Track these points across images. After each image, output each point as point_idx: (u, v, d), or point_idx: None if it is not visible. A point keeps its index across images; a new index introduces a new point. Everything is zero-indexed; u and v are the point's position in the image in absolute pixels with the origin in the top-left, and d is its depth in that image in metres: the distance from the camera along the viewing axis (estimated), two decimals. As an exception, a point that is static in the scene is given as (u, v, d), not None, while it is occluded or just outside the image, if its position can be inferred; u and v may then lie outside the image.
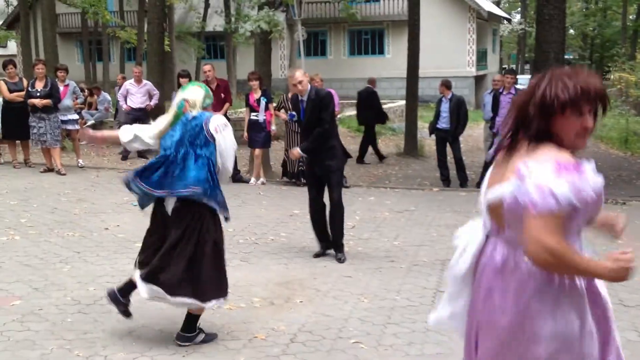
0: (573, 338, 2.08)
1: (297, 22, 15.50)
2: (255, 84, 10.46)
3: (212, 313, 4.72)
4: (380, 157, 14.13)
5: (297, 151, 6.36)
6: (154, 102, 12.71)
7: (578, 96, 2.02)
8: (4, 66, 11.42)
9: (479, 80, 31.54)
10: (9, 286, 5.21)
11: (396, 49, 29.81)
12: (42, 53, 21.15)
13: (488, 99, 11.71)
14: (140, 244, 4.31)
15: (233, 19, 24.83)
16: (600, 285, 2.19)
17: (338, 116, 10.23)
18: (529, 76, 23.49)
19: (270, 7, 12.44)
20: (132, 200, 8.30)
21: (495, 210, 2.16)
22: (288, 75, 6.70)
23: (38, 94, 10.52)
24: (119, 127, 13.97)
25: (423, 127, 16.07)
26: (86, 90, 16.33)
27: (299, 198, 8.80)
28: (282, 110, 10.62)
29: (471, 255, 2.29)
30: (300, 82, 6.16)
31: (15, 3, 33.49)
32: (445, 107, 11.09)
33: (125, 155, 12.70)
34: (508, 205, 2.06)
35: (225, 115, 10.83)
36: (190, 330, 4.18)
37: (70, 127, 11.46)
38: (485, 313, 2.22)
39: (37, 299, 4.93)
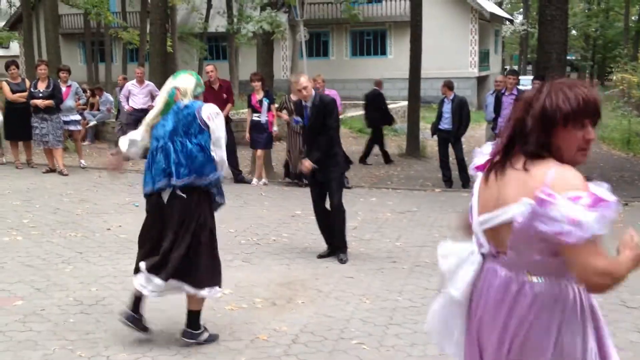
0: (577, 358, 2.05)
1: (300, 23, 15.48)
2: (257, 84, 10.46)
3: (214, 313, 4.73)
4: (387, 160, 14.10)
5: (308, 163, 6.20)
6: (156, 102, 12.70)
7: (580, 108, 1.95)
8: (7, 67, 11.44)
9: (481, 81, 31.54)
10: (11, 286, 5.22)
11: (398, 50, 29.82)
12: (44, 54, 21.15)
13: (490, 100, 11.70)
14: None
15: (235, 20, 24.84)
16: (594, 296, 2.17)
17: (340, 116, 10.25)
18: (531, 77, 23.47)
19: (272, 8, 12.45)
20: (134, 201, 8.32)
21: (496, 233, 2.07)
22: (293, 80, 6.71)
23: (40, 95, 10.54)
24: (120, 128, 14.11)
25: (425, 127, 16.05)
26: (88, 91, 16.35)
27: (301, 199, 8.80)
28: (284, 111, 10.62)
29: (467, 281, 2.18)
30: (305, 88, 6.18)
31: (17, 4, 33.57)
32: (447, 107, 11.08)
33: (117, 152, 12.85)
34: (518, 228, 1.96)
35: (227, 116, 10.84)
36: (195, 327, 4.18)
37: (72, 127, 11.47)
38: (489, 341, 2.14)
39: (40, 300, 4.94)
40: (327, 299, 5.14)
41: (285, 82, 17.88)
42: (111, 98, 16.42)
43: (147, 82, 12.91)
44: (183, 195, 3.98)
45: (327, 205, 6.39)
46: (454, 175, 11.17)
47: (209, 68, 11.18)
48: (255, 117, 10.48)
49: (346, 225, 6.39)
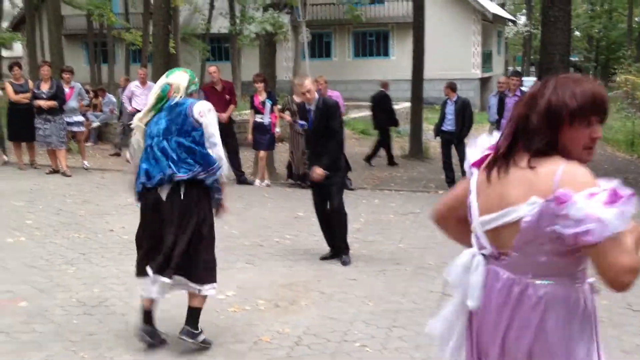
0: None
1: (302, 24, 15.48)
2: (260, 86, 10.46)
3: (217, 315, 4.72)
4: (391, 162, 14.08)
5: (320, 171, 6.15)
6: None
7: (587, 104, 1.87)
8: (10, 68, 11.45)
9: (484, 82, 31.53)
10: (14, 287, 5.22)
11: (401, 51, 29.84)
12: (47, 55, 21.20)
13: (493, 101, 11.69)
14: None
15: (238, 21, 24.86)
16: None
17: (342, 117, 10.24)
18: (534, 78, 23.45)
19: (274, 9, 12.46)
20: (136, 202, 8.32)
21: (498, 234, 1.98)
22: (297, 82, 6.72)
23: (44, 96, 10.54)
24: (123, 129, 14.13)
25: (428, 129, 16.04)
26: (91, 92, 16.35)
27: (303, 200, 8.79)
28: (287, 113, 10.62)
29: (480, 286, 2.06)
30: (308, 91, 6.20)
31: (20, 5, 33.60)
32: (450, 109, 11.08)
33: (118, 153, 13.16)
34: (526, 228, 1.88)
35: (230, 117, 10.84)
36: (195, 327, 4.15)
37: (75, 128, 11.48)
38: (490, 349, 2.05)
39: (43, 301, 4.94)
40: (330, 301, 5.14)
41: (288, 83, 17.90)
42: (114, 99, 16.42)
43: (149, 83, 12.91)
44: (183, 191, 3.96)
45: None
46: (457, 177, 11.15)
47: (212, 69, 11.18)
48: (258, 118, 10.48)
49: (348, 227, 6.38)
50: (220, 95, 10.78)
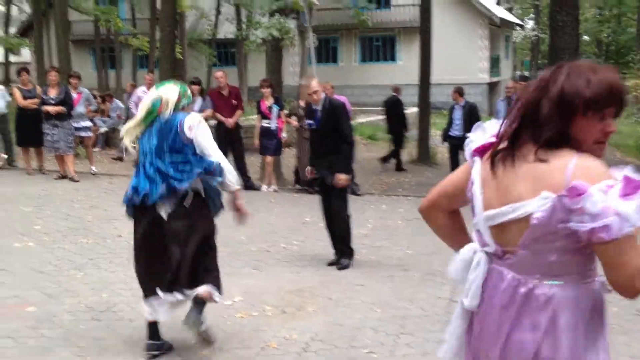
0: None
1: (308, 29, 15.51)
2: (266, 91, 10.48)
3: (224, 320, 4.72)
4: (399, 167, 14.07)
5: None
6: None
7: (603, 94, 1.72)
8: (18, 73, 11.52)
9: (492, 87, 31.46)
10: (23, 292, 5.22)
11: (408, 56, 29.82)
12: (55, 60, 21.30)
13: (501, 106, 11.67)
14: None
15: (244, 26, 24.93)
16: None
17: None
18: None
19: (281, 14, 12.48)
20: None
21: (503, 230, 1.85)
22: (303, 83, 6.75)
23: (51, 101, 10.58)
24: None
25: (436, 134, 16.02)
26: (99, 98, 16.41)
27: (310, 205, 8.79)
28: (294, 118, 10.63)
29: (479, 285, 1.94)
30: (315, 92, 6.23)
31: (28, 11, 33.77)
32: (458, 114, 11.07)
33: (120, 157, 13.37)
34: (537, 225, 1.74)
35: (236, 122, 10.86)
36: (200, 315, 4.06)
37: (83, 134, 11.52)
38: (492, 349, 1.91)
39: (51, 306, 4.95)
40: (338, 307, 5.12)
41: (295, 88, 17.89)
42: (121, 104, 16.47)
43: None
44: (185, 204, 3.95)
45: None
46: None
47: (219, 74, 11.22)
48: (264, 123, 10.50)
49: (351, 231, 6.37)
50: (226, 101, 10.82)
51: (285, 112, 10.83)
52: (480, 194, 1.90)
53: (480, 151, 1.96)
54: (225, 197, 4.21)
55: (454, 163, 11.28)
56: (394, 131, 14.01)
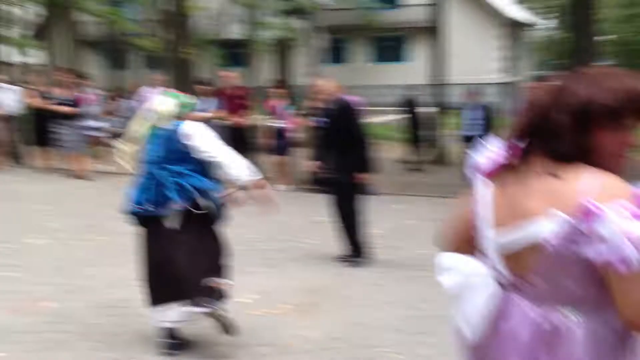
0: None
1: (318, 30, 15.53)
2: (276, 91, 10.49)
3: (240, 319, 4.68)
4: (415, 167, 14.03)
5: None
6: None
7: (625, 104, 1.54)
8: (31, 74, 11.59)
9: (507, 87, 31.31)
10: (39, 289, 5.24)
11: (420, 56, 29.70)
12: (67, 62, 21.37)
13: (517, 106, 11.63)
14: None
15: (253, 27, 24.96)
16: None
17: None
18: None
19: (290, 14, 12.49)
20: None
21: (517, 257, 1.61)
22: (311, 84, 6.75)
23: (63, 102, 10.65)
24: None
25: (449, 134, 15.94)
26: (108, 98, 16.46)
27: (323, 205, 8.73)
28: (303, 117, 10.62)
29: (485, 317, 1.69)
30: (322, 92, 6.23)
31: (41, 13, 33.93)
32: (472, 114, 11.02)
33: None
34: (552, 253, 1.53)
35: (244, 122, 10.86)
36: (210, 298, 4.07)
37: (95, 133, 11.60)
38: None
39: (67, 302, 4.96)
40: (354, 306, 5.10)
41: (304, 88, 17.92)
42: (131, 104, 16.52)
43: (163, 88, 12.99)
44: (188, 216, 3.95)
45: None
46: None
47: (227, 74, 11.25)
48: (274, 123, 10.49)
49: (362, 232, 6.35)
50: (235, 100, 10.83)
51: (295, 111, 10.81)
52: (487, 213, 1.70)
53: (486, 169, 1.76)
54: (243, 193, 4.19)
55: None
56: (412, 131, 13.96)
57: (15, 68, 29.70)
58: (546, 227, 1.52)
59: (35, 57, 35.81)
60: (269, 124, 10.60)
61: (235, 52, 33.67)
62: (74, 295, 5.13)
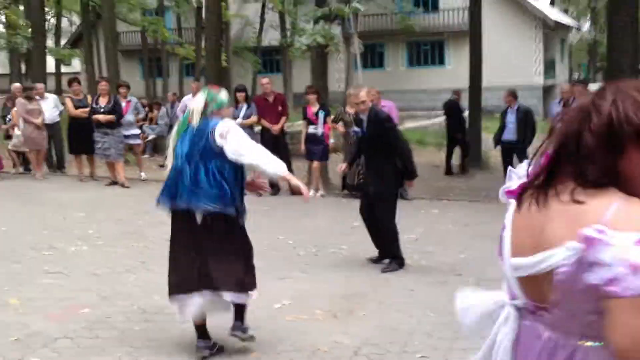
0: None
1: (354, 35, 15.47)
2: (312, 97, 10.51)
3: (274, 324, 4.71)
4: (448, 170, 13.91)
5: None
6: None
7: None
8: (69, 83, 11.84)
9: (547, 90, 30.83)
10: (78, 295, 5.33)
11: (457, 60, 29.47)
12: (104, 70, 21.80)
13: (557, 109, 11.40)
14: None
15: (289, 33, 25.10)
16: None
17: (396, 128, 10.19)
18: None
19: (325, 20, 12.49)
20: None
21: (534, 283, 1.52)
22: (352, 92, 6.79)
23: (102, 110, 10.83)
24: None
25: (487, 138, 15.76)
26: (147, 106, 16.72)
27: (358, 210, 8.74)
28: (341, 123, 10.61)
29: (507, 348, 1.64)
30: (363, 102, 6.32)
31: (78, 22, 34.71)
32: (511, 118, 10.87)
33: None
34: (562, 281, 1.43)
35: (282, 128, 10.90)
36: (244, 322, 4.23)
37: (132, 141, 11.77)
38: None
39: (105, 307, 5.03)
40: (389, 311, 5.06)
41: (340, 94, 17.89)
42: (170, 112, 16.75)
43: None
44: (211, 216, 3.98)
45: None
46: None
47: (264, 80, 11.30)
48: (311, 129, 10.51)
49: (398, 240, 6.32)
50: (272, 107, 10.87)
51: (332, 117, 10.82)
52: (510, 239, 1.62)
53: (515, 192, 1.67)
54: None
55: (507, 168, 11.07)
56: (453, 134, 13.85)
57: (54, 77, 30.46)
58: (560, 256, 1.42)
59: (74, 66, 36.69)
60: (306, 130, 10.61)
61: (272, 59, 33.96)
62: (110, 301, 5.20)
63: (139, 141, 12.18)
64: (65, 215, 8.56)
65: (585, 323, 1.46)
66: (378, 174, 6.28)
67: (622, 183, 1.41)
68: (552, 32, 31.70)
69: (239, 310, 4.24)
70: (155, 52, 30.71)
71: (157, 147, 16.18)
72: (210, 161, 3.96)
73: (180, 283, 4.09)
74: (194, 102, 4.12)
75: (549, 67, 31.59)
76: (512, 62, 28.72)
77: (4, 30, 27.51)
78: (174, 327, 4.60)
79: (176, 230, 4.15)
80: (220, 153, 3.94)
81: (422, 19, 29.88)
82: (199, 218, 3.99)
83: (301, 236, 7.51)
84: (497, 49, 26.20)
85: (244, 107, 10.74)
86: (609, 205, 1.38)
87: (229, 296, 4.04)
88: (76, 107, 11.43)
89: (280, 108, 11.01)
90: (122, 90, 11.66)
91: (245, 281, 4.10)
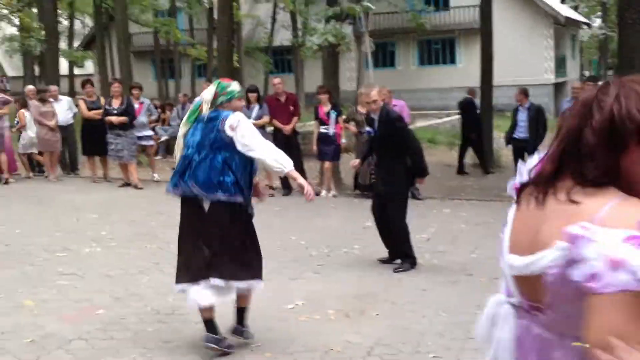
0: None
1: (365, 34, 15.48)
2: (324, 97, 10.50)
3: (287, 323, 4.72)
4: (460, 170, 13.85)
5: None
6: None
7: None
8: (83, 85, 11.93)
9: (558, 87, 30.64)
10: (92, 296, 5.37)
11: (468, 58, 29.36)
12: (117, 72, 21.91)
13: (567, 107, 11.36)
14: None
15: (300, 33, 25.12)
16: None
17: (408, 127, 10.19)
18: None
19: (337, 20, 12.48)
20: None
21: (529, 282, 1.49)
22: (363, 92, 6.78)
23: (115, 112, 10.89)
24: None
25: (499, 136, 15.70)
26: (159, 107, 16.79)
27: (370, 210, 8.73)
28: (352, 123, 10.61)
29: (506, 347, 1.61)
30: (374, 102, 6.32)
31: (91, 24, 34.92)
32: (523, 116, 10.83)
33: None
34: (551, 281, 1.40)
35: (294, 128, 10.91)
36: (246, 324, 4.32)
37: (145, 142, 11.83)
38: None
39: (119, 309, 5.06)
40: (402, 311, 5.05)
41: (352, 93, 17.91)
42: (182, 113, 16.82)
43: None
44: (219, 204, 4.04)
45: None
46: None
47: (276, 80, 11.32)
48: (323, 129, 10.51)
49: (410, 239, 6.32)
50: (284, 107, 10.88)
51: (343, 117, 10.82)
52: (507, 235, 1.58)
53: (517, 187, 1.64)
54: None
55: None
56: (467, 133, 13.80)
57: (67, 79, 30.68)
58: (549, 256, 1.38)
59: (86, 67, 36.90)
60: (318, 130, 10.62)
61: (284, 59, 34.00)
62: (124, 302, 5.24)
63: (151, 142, 12.24)
64: (79, 217, 8.62)
65: (579, 325, 1.39)
66: (389, 173, 6.30)
67: (623, 182, 1.37)
68: (562, 28, 31.50)
69: (240, 312, 4.28)
70: (167, 53, 30.85)
71: (169, 148, 16.23)
72: (220, 151, 4.02)
73: (187, 271, 4.14)
74: (205, 93, 4.18)
75: (560, 64, 31.38)
76: (523, 59, 28.56)
77: (17, 33, 27.75)
78: (187, 328, 4.63)
79: (184, 217, 4.22)
80: (230, 143, 4.00)
81: (433, 17, 29.76)
82: (206, 206, 4.06)
83: (313, 236, 7.52)
84: (507, 46, 26.07)
85: (256, 107, 10.75)
86: (604, 205, 1.33)
87: (235, 284, 4.09)
88: (89, 109, 11.50)
89: (292, 108, 11.01)
90: (135, 91, 11.71)
91: (252, 268, 4.15)
